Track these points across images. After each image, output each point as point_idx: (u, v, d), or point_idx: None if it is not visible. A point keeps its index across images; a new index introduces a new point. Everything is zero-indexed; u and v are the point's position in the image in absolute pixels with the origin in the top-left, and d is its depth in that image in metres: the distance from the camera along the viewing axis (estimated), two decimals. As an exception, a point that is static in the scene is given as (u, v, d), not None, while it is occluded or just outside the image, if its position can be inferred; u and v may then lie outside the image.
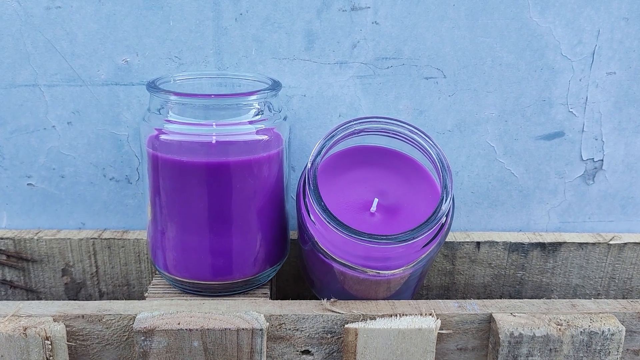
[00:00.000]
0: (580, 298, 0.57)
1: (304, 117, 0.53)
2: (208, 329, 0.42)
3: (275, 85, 0.45)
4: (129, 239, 0.54)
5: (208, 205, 0.43)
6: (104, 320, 0.43)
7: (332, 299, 0.45)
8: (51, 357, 0.42)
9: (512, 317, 0.44)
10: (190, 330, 0.42)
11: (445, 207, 0.39)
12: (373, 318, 0.44)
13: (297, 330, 0.44)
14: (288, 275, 0.57)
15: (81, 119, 0.53)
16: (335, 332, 0.44)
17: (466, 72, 0.52)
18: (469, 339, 0.45)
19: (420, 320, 0.43)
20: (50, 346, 0.42)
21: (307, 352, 0.45)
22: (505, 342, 0.43)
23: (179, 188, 0.42)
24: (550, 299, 0.57)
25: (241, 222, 0.44)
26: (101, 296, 0.56)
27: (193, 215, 0.43)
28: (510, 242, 0.55)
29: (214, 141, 0.41)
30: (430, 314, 0.44)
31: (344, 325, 0.44)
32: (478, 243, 0.55)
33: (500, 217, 0.56)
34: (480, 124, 0.53)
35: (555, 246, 0.55)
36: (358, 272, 0.42)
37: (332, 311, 0.44)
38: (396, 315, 0.44)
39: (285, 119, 0.46)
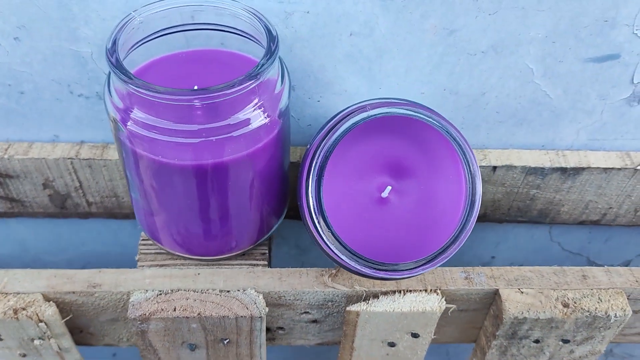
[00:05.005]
0: (591, 212, 0.54)
1: (307, 36, 0.43)
2: (205, 316, 0.40)
3: (272, 49, 0.35)
4: (110, 159, 0.49)
5: (199, 204, 0.37)
6: (96, 295, 0.42)
7: (333, 271, 0.43)
8: (48, 332, 0.42)
9: (520, 294, 0.43)
10: (187, 317, 0.40)
11: (467, 231, 0.35)
12: (376, 296, 0.42)
13: (297, 300, 0.43)
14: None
15: (30, 34, 0.42)
16: (335, 301, 0.43)
17: (516, -12, 0.40)
18: (472, 304, 0.45)
19: (425, 299, 0.42)
20: (45, 326, 0.41)
21: (307, 312, 0.45)
22: (507, 323, 0.42)
23: (161, 185, 0.36)
24: (559, 214, 0.54)
25: (239, 210, 0.39)
26: (89, 205, 0.53)
27: (183, 210, 0.38)
28: (530, 167, 0.50)
29: (199, 141, 0.34)
30: (436, 292, 0.42)
31: (344, 299, 0.43)
32: (494, 167, 0.50)
33: (523, 135, 0.50)
34: (521, 44, 0.44)
35: (577, 171, 0.50)
36: (366, 276, 0.39)
37: (334, 287, 0.42)
38: (400, 292, 0.42)
39: (283, 75, 0.37)
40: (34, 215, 0.54)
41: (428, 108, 0.36)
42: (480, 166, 0.50)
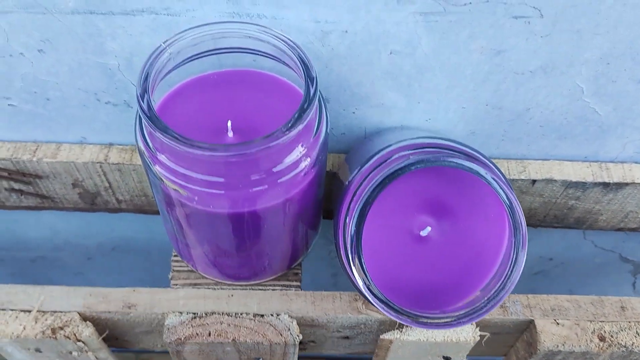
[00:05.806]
0: (630, 221, 0.53)
1: (344, 54, 0.40)
2: (239, 342, 0.41)
3: (310, 93, 0.33)
4: (139, 164, 0.48)
5: (233, 242, 0.37)
6: (131, 315, 0.42)
7: (366, 296, 0.42)
8: (85, 348, 0.43)
9: (556, 326, 0.42)
10: (221, 343, 0.41)
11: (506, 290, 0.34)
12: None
13: (330, 322, 0.43)
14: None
15: (55, 47, 0.41)
16: (368, 325, 0.43)
17: (573, 12, 0.37)
18: (505, 329, 0.44)
19: (459, 329, 0.41)
20: (83, 344, 0.42)
21: (339, 331, 0.45)
22: (541, 354, 0.42)
23: (194, 224, 0.36)
24: (597, 221, 0.53)
25: (273, 244, 0.38)
26: (119, 203, 0.53)
27: (216, 245, 0.37)
28: (570, 181, 0.48)
29: (235, 192, 0.33)
30: (470, 321, 0.42)
31: (377, 323, 0.42)
32: (534, 181, 0.48)
33: (566, 147, 0.48)
34: (573, 65, 0.41)
35: (620, 186, 0.48)
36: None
37: (367, 314, 0.42)
38: (433, 320, 0.42)
39: (321, 112, 0.36)
40: (65, 209, 0.54)
41: (473, 154, 0.34)
42: (519, 179, 0.48)
